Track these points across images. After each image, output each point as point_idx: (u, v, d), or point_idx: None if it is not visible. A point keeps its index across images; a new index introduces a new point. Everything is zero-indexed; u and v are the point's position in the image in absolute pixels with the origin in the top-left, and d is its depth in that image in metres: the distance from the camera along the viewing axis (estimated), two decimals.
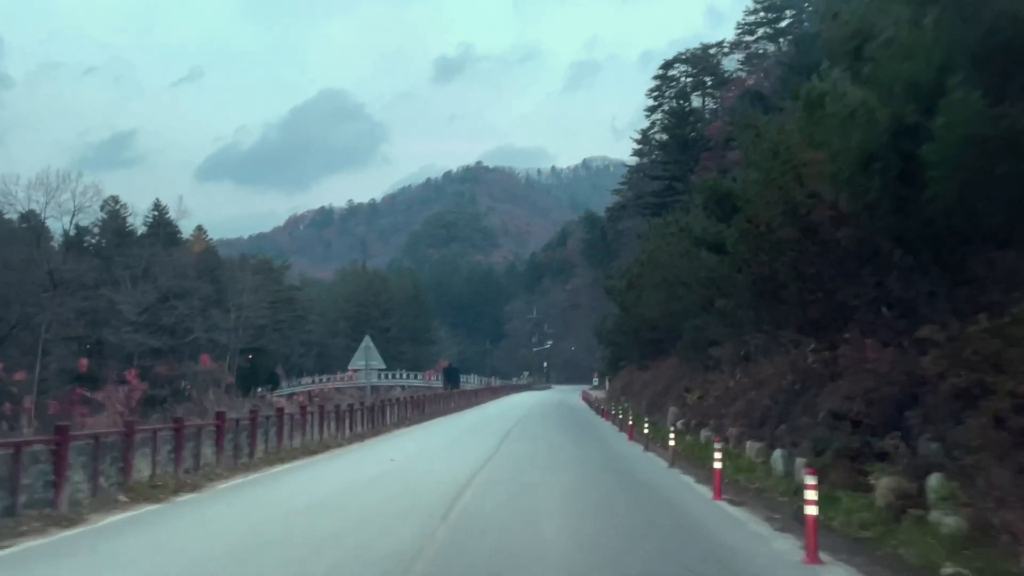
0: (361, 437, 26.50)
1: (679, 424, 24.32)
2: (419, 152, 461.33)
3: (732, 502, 13.15)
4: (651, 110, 75.74)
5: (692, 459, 19.58)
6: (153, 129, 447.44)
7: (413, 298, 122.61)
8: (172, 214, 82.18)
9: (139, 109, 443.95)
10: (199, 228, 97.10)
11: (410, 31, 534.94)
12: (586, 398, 68.42)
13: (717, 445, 13.81)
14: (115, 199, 78.85)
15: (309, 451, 20.65)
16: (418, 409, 40.80)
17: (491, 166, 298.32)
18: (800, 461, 13.80)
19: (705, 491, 14.62)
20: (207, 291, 73.97)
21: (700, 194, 22.98)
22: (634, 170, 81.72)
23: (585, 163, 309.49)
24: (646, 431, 23.21)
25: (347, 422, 26.52)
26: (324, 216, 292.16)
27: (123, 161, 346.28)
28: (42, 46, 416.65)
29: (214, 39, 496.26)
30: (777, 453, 14.91)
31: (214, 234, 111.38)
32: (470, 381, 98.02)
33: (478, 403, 61.96)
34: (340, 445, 23.29)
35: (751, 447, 16.49)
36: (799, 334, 16.83)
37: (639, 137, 77.72)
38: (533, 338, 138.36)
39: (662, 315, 31.60)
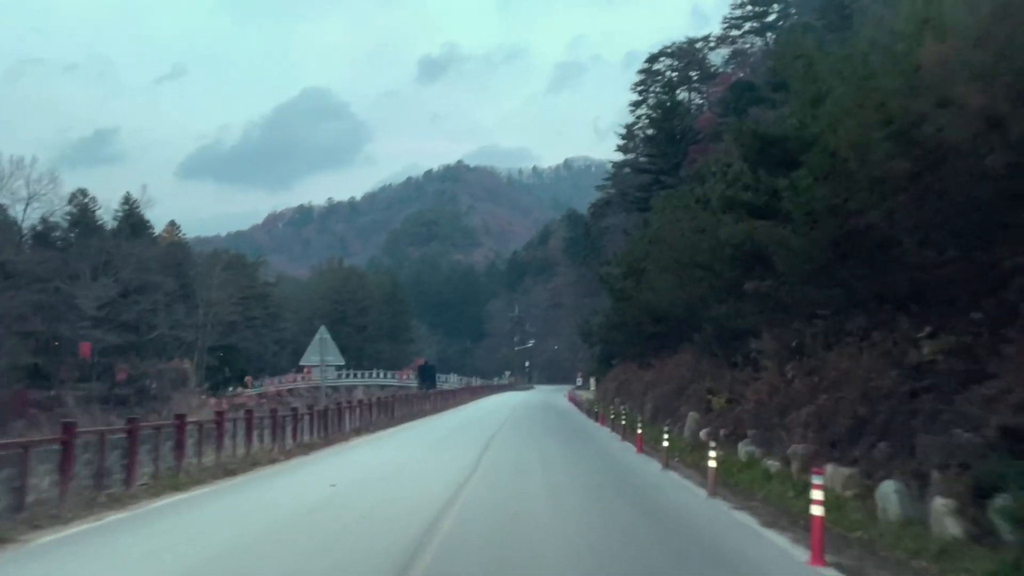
0: (308, 448, 21.41)
1: (703, 435, 19.53)
2: (403, 151, 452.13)
3: (843, 569, 8.34)
4: (636, 105, 74.62)
5: (732, 483, 14.92)
6: (135, 127, 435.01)
7: (391, 295, 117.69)
8: (141, 207, 77.61)
9: (121, 107, 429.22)
10: (172, 223, 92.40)
11: (395, 30, 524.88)
12: (573, 399, 63.81)
13: (817, 479, 8.84)
14: (83, 192, 74.23)
15: (227, 471, 15.59)
16: (385, 412, 35.70)
17: (473, 165, 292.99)
18: (942, 504, 8.99)
19: (781, 542, 9.86)
20: (172, 286, 69.41)
21: (737, 143, 18.21)
22: (619, 166, 78.48)
23: (567, 163, 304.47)
24: (666, 443, 18.35)
25: (289, 430, 21.36)
26: (303, 214, 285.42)
27: (105, 159, 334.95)
28: (21, 42, 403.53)
29: (197, 36, 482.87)
30: (888, 486, 10.08)
31: (193, 232, 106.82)
32: (449, 380, 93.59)
33: (457, 404, 57.19)
34: (275, 461, 18.15)
35: (835, 474, 11.65)
36: (901, 313, 11.98)
37: (624, 132, 75.43)
38: (515, 337, 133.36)
39: (671, 303, 26.72)
